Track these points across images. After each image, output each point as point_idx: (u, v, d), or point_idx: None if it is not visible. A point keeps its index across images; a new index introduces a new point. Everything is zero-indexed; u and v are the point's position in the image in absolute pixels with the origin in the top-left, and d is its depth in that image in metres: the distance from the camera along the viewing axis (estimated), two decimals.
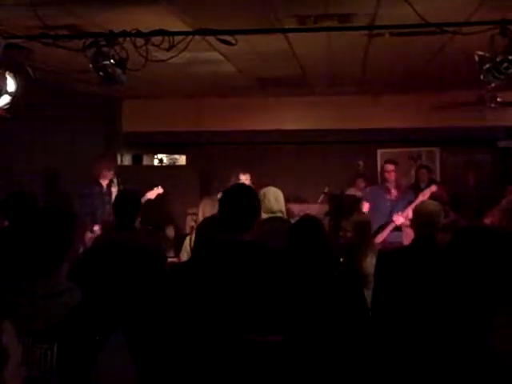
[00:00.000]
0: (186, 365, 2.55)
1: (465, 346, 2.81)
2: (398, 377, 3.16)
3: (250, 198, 2.77)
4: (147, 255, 3.72)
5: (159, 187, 6.73)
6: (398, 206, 6.21)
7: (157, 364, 2.77)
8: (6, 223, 4.00)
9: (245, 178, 6.32)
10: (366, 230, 4.90)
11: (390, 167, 6.57)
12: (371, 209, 6.43)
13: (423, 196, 5.95)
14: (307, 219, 3.51)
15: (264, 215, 4.49)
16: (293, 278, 2.80)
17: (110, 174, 6.51)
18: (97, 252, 3.75)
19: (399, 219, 5.93)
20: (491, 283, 2.91)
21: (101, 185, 6.43)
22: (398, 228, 6.04)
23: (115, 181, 6.59)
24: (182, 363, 2.56)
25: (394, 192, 6.48)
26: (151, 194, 6.62)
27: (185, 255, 4.85)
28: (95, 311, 1.95)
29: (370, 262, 4.30)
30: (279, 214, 4.72)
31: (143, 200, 6.15)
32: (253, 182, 6.20)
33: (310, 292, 3.06)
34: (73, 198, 6.51)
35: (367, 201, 6.57)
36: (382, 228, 6.10)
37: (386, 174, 6.61)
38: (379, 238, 5.95)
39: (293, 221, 4.23)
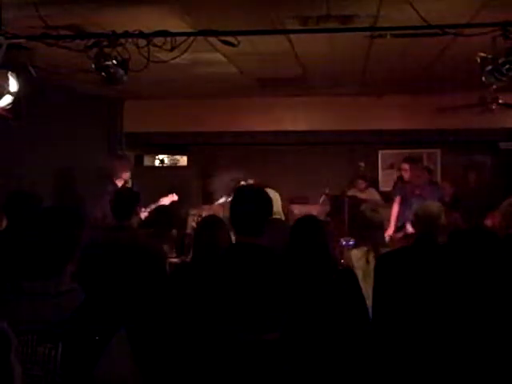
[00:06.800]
0: (187, 364, 2.55)
1: (467, 347, 2.82)
2: (397, 378, 3.16)
3: (262, 200, 2.63)
4: (147, 255, 3.73)
5: (174, 194, 6.65)
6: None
7: (158, 363, 2.77)
8: (5, 223, 3.98)
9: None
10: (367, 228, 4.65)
11: (404, 166, 6.45)
12: (401, 204, 6.31)
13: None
14: (307, 219, 3.49)
15: None
16: (293, 279, 2.78)
17: (126, 175, 6.52)
18: (97, 251, 3.75)
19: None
20: (489, 284, 2.91)
21: (116, 184, 6.41)
22: None
23: (130, 182, 6.60)
24: (183, 362, 2.57)
25: (417, 191, 6.29)
26: (165, 200, 6.54)
27: None
28: (98, 311, 1.95)
29: (353, 255, 4.26)
30: (277, 216, 4.70)
31: (156, 205, 6.16)
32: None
33: (308, 293, 3.06)
34: (79, 198, 6.50)
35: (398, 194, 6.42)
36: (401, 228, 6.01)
37: (403, 173, 6.51)
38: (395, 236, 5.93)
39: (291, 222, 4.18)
